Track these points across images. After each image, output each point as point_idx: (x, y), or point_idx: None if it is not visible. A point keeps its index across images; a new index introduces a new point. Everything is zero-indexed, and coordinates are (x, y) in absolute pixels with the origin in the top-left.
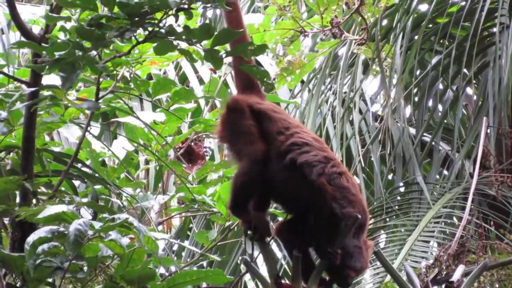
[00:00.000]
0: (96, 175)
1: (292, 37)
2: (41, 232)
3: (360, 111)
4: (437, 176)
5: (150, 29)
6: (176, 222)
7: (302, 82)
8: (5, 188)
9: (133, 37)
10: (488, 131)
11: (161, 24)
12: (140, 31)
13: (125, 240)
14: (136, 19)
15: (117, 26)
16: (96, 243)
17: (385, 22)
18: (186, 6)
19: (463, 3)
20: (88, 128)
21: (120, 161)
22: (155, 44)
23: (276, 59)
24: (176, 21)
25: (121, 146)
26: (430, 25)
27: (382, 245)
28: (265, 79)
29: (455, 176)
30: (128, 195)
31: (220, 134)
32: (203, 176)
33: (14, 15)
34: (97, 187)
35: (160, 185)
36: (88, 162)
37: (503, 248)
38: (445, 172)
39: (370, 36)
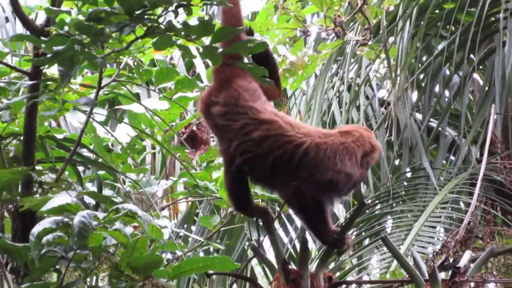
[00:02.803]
0: (100, 160)
1: (295, 37)
2: (46, 223)
3: (367, 97)
4: (444, 162)
5: (149, 25)
6: (182, 207)
7: None
8: (10, 178)
9: (132, 32)
10: (495, 116)
11: (160, 20)
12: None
13: (129, 229)
14: (136, 13)
15: (116, 21)
16: (100, 232)
17: (391, 8)
18: (185, 3)
19: None
20: (93, 115)
21: (123, 147)
22: (154, 39)
23: (278, 59)
24: (176, 17)
25: (126, 132)
26: (437, 11)
27: (389, 230)
28: (263, 77)
29: (462, 161)
30: (131, 181)
31: None
32: (207, 160)
33: (15, 6)
34: (101, 172)
35: (164, 170)
36: (92, 147)
37: (511, 234)
38: (452, 157)
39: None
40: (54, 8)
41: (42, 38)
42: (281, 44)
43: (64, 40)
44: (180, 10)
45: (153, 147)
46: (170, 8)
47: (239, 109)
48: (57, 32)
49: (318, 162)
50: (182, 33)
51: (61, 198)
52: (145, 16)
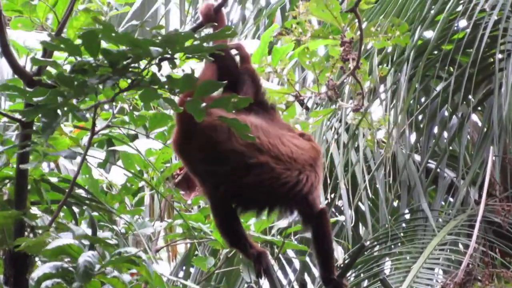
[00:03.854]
0: (94, 201)
1: (287, 102)
2: (46, 268)
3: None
4: (442, 203)
5: (132, 78)
6: (181, 249)
7: (307, 108)
8: (2, 222)
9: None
10: (493, 158)
11: (144, 73)
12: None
13: (126, 277)
14: (120, 66)
15: (99, 73)
16: (98, 280)
17: (389, 49)
18: (169, 56)
19: (469, 30)
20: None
21: (117, 189)
22: (140, 92)
23: None
24: (159, 70)
25: (122, 173)
26: (435, 52)
27: (387, 272)
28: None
29: (460, 203)
30: (126, 222)
31: None
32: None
33: (5, 50)
34: (96, 213)
35: (159, 212)
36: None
37: (509, 277)
38: (450, 199)
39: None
40: (41, 59)
41: (28, 88)
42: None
43: (46, 92)
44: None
45: (152, 188)
46: (153, 61)
47: (218, 155)
48: (44, 81)
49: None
50: (166, 86)
51: (64, 240)
52: (129, 69)
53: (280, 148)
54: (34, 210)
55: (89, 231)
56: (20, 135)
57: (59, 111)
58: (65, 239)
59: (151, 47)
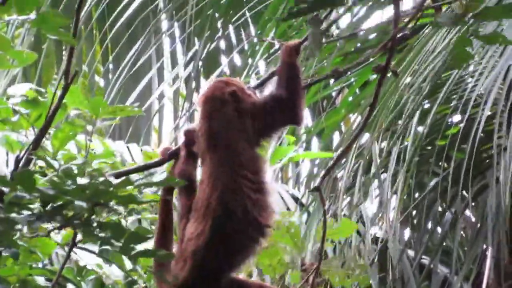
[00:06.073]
0: None
1: None
2: None
3: (359, 234)
4: None
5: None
6: None
7: (302, 205)
8: None
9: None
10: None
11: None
12: None
13: None
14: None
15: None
16: None
17: (384, 144)
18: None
19: (462, 124)
20: None
21: None
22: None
23: None
24: (91, 215)
25: None
26: (429, 147)
27: None
28: None
29: None
30: None
31: None
32: None
33: None
34: None
35: None
36: None
37: None
38: None
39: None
40: None
41: None
42: None
43: None
44: None
45: None
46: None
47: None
48: None
49: None
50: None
51: None
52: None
53: None
54: None
55: None
56: None
57: None
58: None
59: (76, 201)
